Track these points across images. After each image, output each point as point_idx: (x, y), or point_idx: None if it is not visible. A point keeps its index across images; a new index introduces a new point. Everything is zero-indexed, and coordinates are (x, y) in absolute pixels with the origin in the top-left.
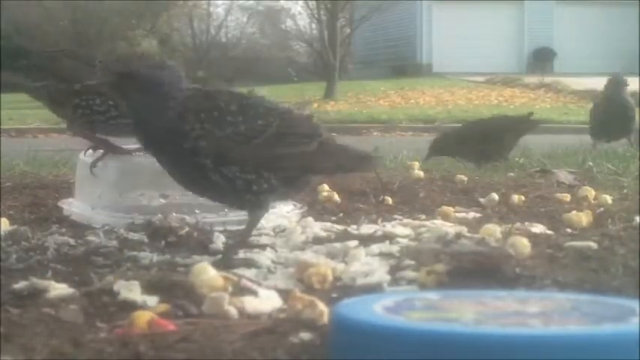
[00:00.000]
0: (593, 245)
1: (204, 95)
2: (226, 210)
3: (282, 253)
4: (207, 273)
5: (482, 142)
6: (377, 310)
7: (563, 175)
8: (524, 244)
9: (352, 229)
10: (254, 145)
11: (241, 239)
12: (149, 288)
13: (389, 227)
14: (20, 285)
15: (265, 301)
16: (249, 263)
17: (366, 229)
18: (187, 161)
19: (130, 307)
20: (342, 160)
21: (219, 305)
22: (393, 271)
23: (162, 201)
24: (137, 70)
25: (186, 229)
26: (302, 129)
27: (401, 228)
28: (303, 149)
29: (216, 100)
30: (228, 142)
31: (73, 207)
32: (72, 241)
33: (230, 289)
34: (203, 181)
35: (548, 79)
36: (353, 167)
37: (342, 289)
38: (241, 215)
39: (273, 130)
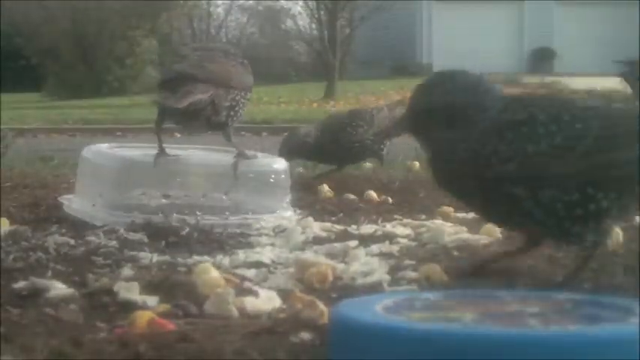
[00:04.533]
0: None
1: (513, 108)
2: (227, 213)
3: (282, 253)
4: (209, 273)
5: (333, 141)
6: (377, 310)
7: None
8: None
9: (352, 229)
10: (575, 157)
11: (571, 277)
12: (149, 288)
13: (389, 227)
14: (20, 285)
15: (265, 301)
16: (249, 263)
17: (366, 229)
18: (493, 193)
19: (130, 307)
20: None
21: (222, 303)
22: (393, 271)
23: (164, 201)
24: (441, 102)
25: (187, 229)
26: (628, 126)
27: (401, 228)
28: (627, 152)
29: (525, 110)
30: (543, 160)
31: (74, 203)
32: (72, 241)
33: (231, 289)
34: (516, 216)
35: (548, 79)
36: None
37: (342, 289)
38: (242, 218)
39: (594, 133)
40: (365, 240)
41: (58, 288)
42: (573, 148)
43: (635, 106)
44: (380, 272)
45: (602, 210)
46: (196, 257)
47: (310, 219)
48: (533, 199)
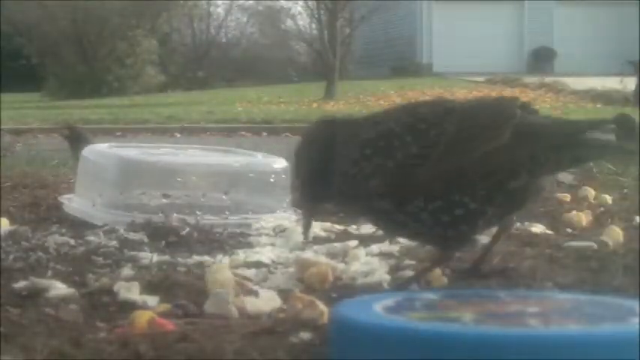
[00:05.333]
0: (593, 245)
1: (372, 124)
2: (227, 212)
3: (282, 253)
4: (223, 273)
5: None
6: (377, 310)
7: (563, 175)
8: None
9: (352, 229)
10: (432, 164)
11: (419, 273)
12: (149, 288)
13: None
14: (20, 285)
15: (265, 301)
16: (249, 263)
17: (366, 229)
18: (369, 210)
19: (130, 307)
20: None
21: (222, 303)
22: (393, 271)
23: (164, 200)
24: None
25: (187, 229)
26: (483, 119)
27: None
28: (487, 146)
29: (375, 126)
30: (402, 171)
31: (74, 203)
32: (72, 241)
33: (233, 290)
34: (395, 229)
35: (548, 79)
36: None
37: (342, 289)
38: (242, 218)
39: (450, 135)
40: (365, 240)
41: (58, 288)
42: (428, 156)
43: (502, 103)
44: (380, 272)
45: (471, 213)
46: (196, 257)
47: None
48: (401, 211)
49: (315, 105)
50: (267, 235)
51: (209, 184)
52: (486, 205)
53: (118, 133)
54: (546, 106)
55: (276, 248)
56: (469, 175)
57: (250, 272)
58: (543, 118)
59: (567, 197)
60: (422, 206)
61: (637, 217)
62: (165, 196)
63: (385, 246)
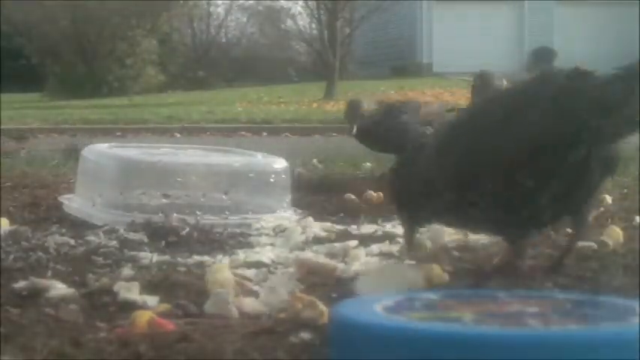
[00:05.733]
0: (593, 245)
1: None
2: (227, 212)
3: (282, 253)
4: (223, 273)
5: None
6: (377, 310)
7: None
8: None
9: (352, 229)
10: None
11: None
12: (149, 288)
13: (389, 227)
14: (20, 285)
15: (265, 301)
16: (249, 263)
17: (366, 229)
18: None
19: (130, 307)
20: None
21: (222, 303)
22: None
23: (164, 200)
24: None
25: (187, 229)
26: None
27: (401, 228)
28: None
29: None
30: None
31: (74, 203)
32: (72, 241)
33: (233, 290)
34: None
35: None
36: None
37: (342, 289)
38: (242, 218)
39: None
40: (365, 240)
41: (58, 288)
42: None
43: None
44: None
45: (533, 192)
46: (196, 257)
47: (310, 219)
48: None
49: (315, 105)
50: (267, 235)
51: (209, 184)
52: (547, 183)
53: (118, 133)
54: None
55: (276, 248)
56: (523, 155)
57: (250, 272)
58: (592, 81)
59: None
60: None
61: (637, 217)
62: (165, 196)
63: (385, 246)
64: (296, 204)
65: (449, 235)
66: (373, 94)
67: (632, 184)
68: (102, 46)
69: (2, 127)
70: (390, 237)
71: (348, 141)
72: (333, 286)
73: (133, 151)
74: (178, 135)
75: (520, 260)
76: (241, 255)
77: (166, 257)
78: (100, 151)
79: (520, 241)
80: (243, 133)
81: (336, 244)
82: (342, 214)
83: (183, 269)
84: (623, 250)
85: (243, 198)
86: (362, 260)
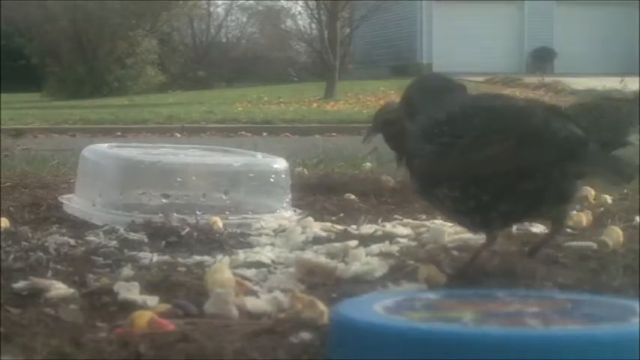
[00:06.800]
0: (593, 245)
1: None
2: (227, 212)
3: (282, 253)
4: (222, 273)
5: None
6: (377, 310)
7: None
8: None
9: (352, 229)
10: (456, 156)
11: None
12: (149, 288)
13: (389, 227)
14: (20, 285)
15: (265, 301)
16: (249, 263)
17: (366, 229)
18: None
19: (130, 307)
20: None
21: (222, 303)
22: (393, 271)
23: (164, 200)
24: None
25: (187, 229)
26: (503, 122)
27: (401, 228)
28: (497, 149)
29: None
30: (434, 157)
31: (74, 203)
32: (72, 241)
33: (233, 290)
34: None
35: (548, 79)
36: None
37: (342, 289)
38: (242, 218)
39: (475, 132)
40: (365, 240)
41: (58, 288)
42: (454, 147)
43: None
44: (380, 272)
45: (485, 207)
46: (196, 257)
47: (310, 219)
48: (433, 195)
49: (315, 105)
50: (267, 235)
51: (209, 184)
52: (499, 204)
53: (118, 133)
54: None
55: (276, 248)
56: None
57: (250, 272)
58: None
59: None
60: (446, 193)
61: (637, 217)
62: (165, 196)
63: (385, 246)
64: (296, 204)
65: (448, 235)
66: (373, 94)
67: (632, 184)
68: (102, 46)
69: (2, 127)
70: (390, 237)
71: (346, 141)
72: (333, 286)
73: (133, 151)
74: (178, 135)
75: (487, 247)
76: (241, 255)
77: (166, 257)
78: (100, 151)
79: (491, 234)
80: (243, 133)
81: (336, 244)
82: (342, 214)
83: (183, 269)
84: (623, 250)
85: (243, 198)
86: (362, 260)
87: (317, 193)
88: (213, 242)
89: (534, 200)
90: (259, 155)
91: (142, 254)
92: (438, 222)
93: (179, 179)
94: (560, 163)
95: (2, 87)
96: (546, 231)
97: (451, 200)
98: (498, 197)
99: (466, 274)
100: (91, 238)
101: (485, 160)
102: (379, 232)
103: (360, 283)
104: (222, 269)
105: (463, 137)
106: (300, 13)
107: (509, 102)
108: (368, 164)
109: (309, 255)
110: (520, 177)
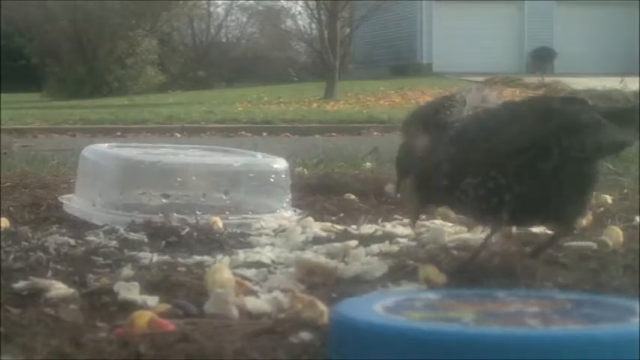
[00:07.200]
0: (593, 245)
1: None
2: (227, 212)
3: (282, 253)
4: (222, 273)
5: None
6: (377, 310)
7: None
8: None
9: (352, 229)
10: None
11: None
12: (149, 288)
13: (389, 227)
14: (20, 285)
15: (265, 301)
16: (249, 263)
17: (366, 229)
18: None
19: (130, 307)
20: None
21: (222, 303)
22: (393, 271)
23: (164, 200)
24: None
25: (187, 229)
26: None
27: (401, 228)
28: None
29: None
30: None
31: (74, 203)
32: (72, 241)
33: (233, 290)
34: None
35: (548, 79)
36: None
37: (342, 289)
38: (242, 218)
39: (497, 121)
40: (365, 240)
41: (58, 288)
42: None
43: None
44: (380, 272)
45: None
46: (196, 257)
47: (310, 219)
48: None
49: (315, 105)
50: (267, 235)
51: (209, 184)
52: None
53: (118, 133)
54: None
55: (276, 248)
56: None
57: (250, 272)
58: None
59: None
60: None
61: (637, 217)
62: (165, 196)
63: (385, 246)
64: (296, 204)
65: (448, 235)
66: (373, 94)
67: (632, 184)
68: (102, 46)
69: (2, 127)
70: (390, 237)
71: (346, 141)
72: (333, 286)
73: (133, 151)
74: (178, 135)
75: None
76: (241, 255)
77: (166, 257)
78: (100, 151)
79: (495, 229)
80: (243, 133)
81: (336, 244)
82: (342, 214)
83: (183, 269)
84: (623, 250)
85: (243, 198)
86: (362, 260)
87: (317, 193)
88: (213, 242)
89: (554, 185)
90: (259, 155)
91: (142, 254)
92: (438, 222)
93: (179, 179)
94: (579, 139)
95: (2, 87)
96: (551, 232)
97: (473, 188)
98: (518, 178)
99: (466, 270)
100: (91, 238)
101: (508, 139)
102: (379, 232)
103: (360, 283)
104: (222, 269)
105: (486, 128)
106: (300, 13)
107: (522, 102)
108: (368, 164)
109: (309, 255)
110: (538, 155)
